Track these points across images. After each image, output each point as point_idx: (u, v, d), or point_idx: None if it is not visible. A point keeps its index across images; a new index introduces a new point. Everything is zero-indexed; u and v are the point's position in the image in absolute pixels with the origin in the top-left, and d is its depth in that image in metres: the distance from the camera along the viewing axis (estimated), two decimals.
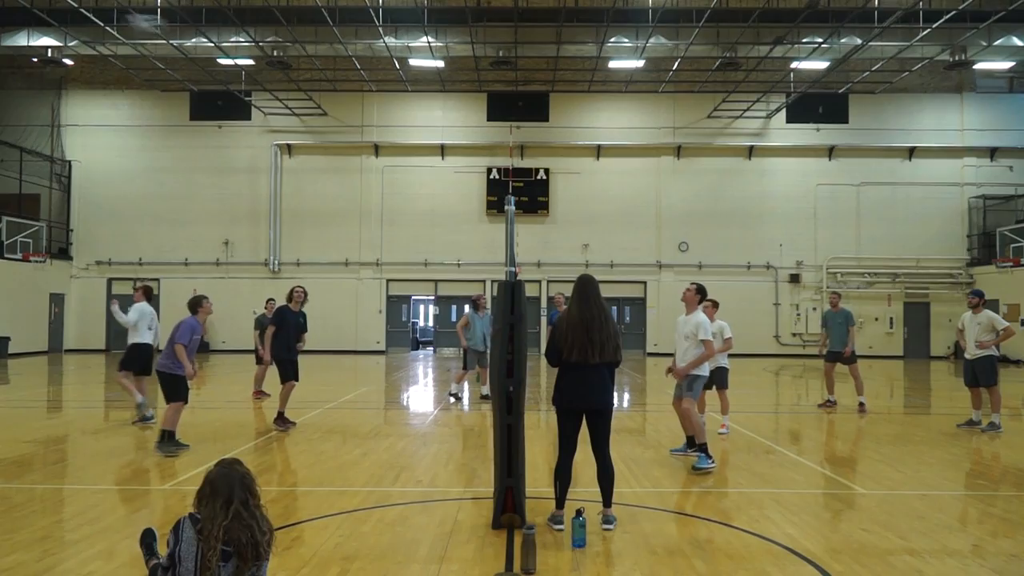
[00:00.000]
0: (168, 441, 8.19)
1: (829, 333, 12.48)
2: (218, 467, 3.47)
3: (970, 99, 27.51)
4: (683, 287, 8.14)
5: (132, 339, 10.46)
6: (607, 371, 5.44)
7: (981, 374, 10.08)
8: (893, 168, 27.39)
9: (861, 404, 12.05)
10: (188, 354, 8.24)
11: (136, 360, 10.40)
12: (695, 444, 7.79)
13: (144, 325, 10.43)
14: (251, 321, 25.96)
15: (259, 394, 12.63)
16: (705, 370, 7.93)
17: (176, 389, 8.31)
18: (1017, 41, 21.83)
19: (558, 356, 5.41)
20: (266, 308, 13.26)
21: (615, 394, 5.75)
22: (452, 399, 12.95)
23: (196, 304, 8.55)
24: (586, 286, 5.49)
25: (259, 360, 12.59)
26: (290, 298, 10.28)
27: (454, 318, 26.97)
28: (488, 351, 12.18)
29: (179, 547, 3.36)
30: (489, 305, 13.04)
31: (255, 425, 10.34)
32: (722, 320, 9.27)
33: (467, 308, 13.46)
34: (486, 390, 12.66)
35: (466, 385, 13.88)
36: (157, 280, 27.39)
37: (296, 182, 27.58)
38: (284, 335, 10.01)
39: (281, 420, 9.91)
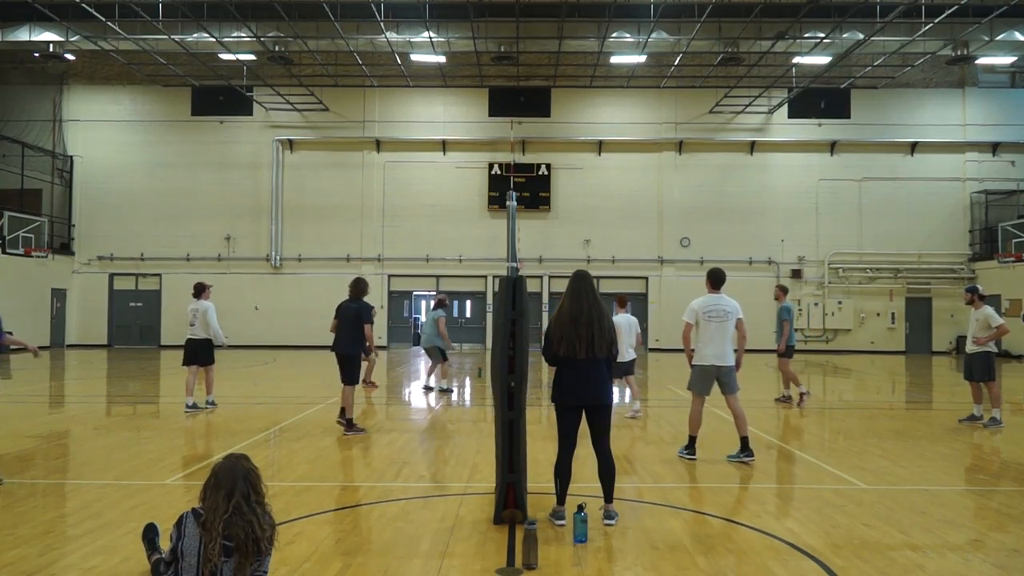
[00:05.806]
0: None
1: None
2: (224, 460, 3.49)
3: (972, 94, 27.44)
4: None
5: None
6: (605, 365, 5.43)
7: (976, 369, 10.13)
8: (895, 163, 27.34)
9: (787, 397, 12.31)
10: None
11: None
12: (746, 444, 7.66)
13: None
14: (252, 317, 26.31)
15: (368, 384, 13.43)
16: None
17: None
18: (1019, 36, 21.75)
19: (551, 353, 5.41)
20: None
21: (614, 389, 5.73)
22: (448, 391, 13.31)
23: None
24: (578, 281, 5.48)
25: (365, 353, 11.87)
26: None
27: (456, 314, 26.98)
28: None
29: (181, 542, 3.37)
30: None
31: (257, 422, 10.35)
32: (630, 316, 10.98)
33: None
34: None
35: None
36: (159, 275, 27.45)
37: (298, 177, 27.57)
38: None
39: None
